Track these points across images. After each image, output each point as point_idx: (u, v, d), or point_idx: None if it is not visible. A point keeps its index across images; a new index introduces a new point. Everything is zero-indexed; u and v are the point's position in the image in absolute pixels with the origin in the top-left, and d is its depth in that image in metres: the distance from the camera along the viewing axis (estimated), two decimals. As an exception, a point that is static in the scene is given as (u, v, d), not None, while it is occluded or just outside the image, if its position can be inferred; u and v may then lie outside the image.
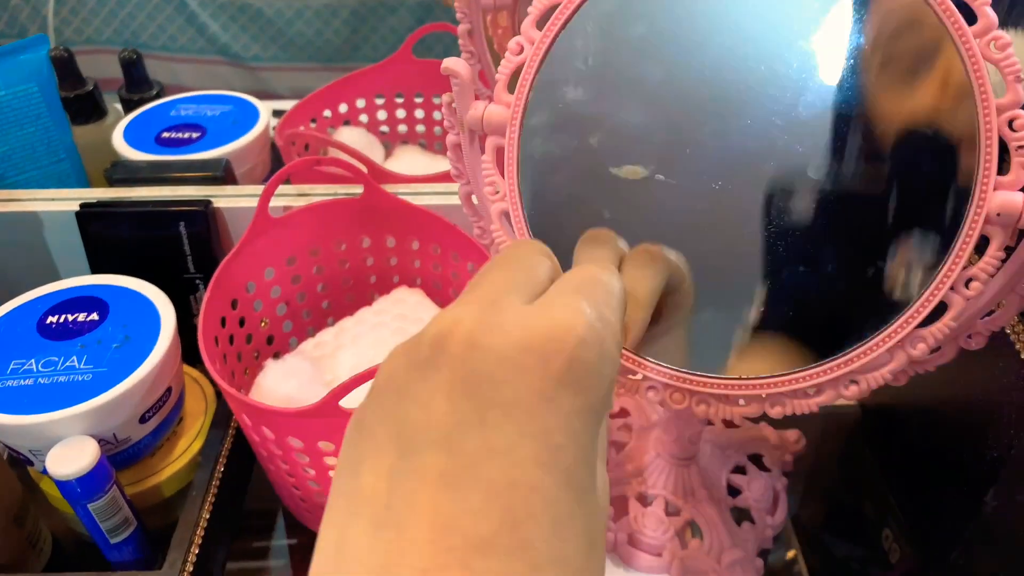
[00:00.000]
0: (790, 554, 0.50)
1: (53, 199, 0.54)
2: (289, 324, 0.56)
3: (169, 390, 0.47)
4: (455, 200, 0.50)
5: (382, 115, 0.77)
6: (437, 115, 0.77)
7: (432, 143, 0.79)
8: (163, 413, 0.47)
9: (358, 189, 0.54)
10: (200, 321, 0.45)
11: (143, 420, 0.45)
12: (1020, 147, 0.24)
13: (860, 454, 0.56)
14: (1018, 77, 0.24)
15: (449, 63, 0.33)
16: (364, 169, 0.59)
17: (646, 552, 0.46)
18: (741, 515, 0.47)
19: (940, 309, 0.29)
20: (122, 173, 0.55)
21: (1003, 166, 0.27)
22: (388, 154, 0.77)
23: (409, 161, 0.76)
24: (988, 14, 0.25)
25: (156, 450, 0.48)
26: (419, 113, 0.77)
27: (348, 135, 0.73)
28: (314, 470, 0.43)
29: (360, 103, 0.75)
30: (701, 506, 0.44)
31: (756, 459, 0.50)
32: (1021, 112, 0.24)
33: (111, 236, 0.53)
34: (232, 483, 0.49)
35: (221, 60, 1.29)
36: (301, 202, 0.54)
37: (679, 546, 0.45)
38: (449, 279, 0.56)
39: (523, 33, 0.32)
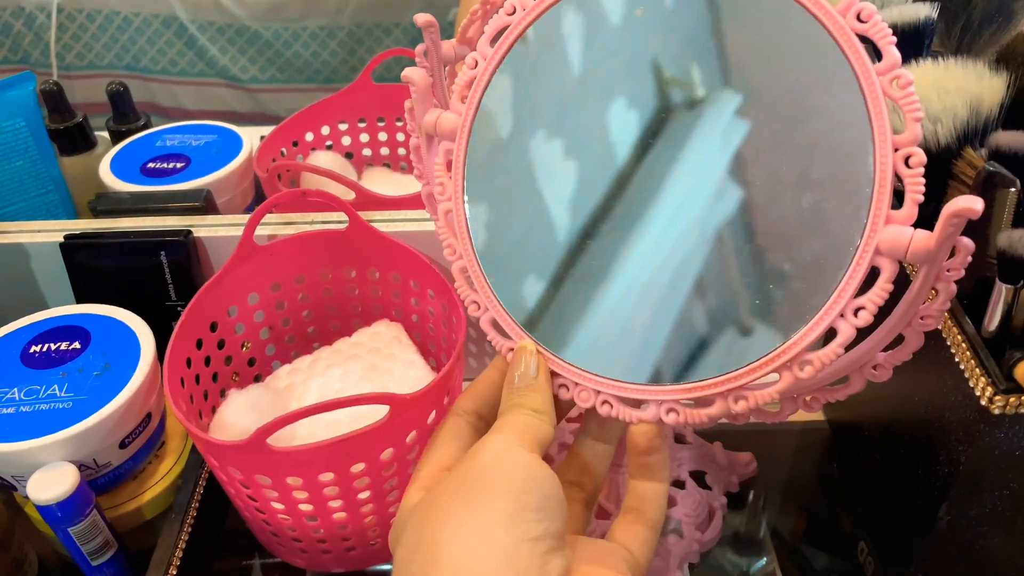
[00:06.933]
0: (769, 568, 0.51)
1: (39, 231, 0.56)
2: (272, 348, 0.57)
3: (149, 416, 0.48)
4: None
5: (363, 138, 0.78)
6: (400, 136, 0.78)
7: (396, 163, 0.80)
8: (143, 438, 0.48)
9: (342, 216, 0.55)
10: (171, 343, 0.47)
11: (123, 446, 0.47)
12: (914, 183, 0.25)
13: (831, 470, 0.57)
14: (917, 116, 0.25)
15: (408, 72, 0.37)
16: (352, 194, 0.60)
17: None
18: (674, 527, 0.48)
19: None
20: (105, 204, 0.56)
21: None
22: (359, 176, 0.78)
23: (380, 181, 0.76)
24: (892, 53, 0.26)
25: (138, 473, 0.50)
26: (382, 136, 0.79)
27: (323, 159, 0.73)
28: (256, 500, 0.44)
29: (342, 126, 0.77)
30: None
31: (700, 476, 0.50)
32: (917, 150, 0.25)
33: (94, 266, 0.55)
34: (211, 504, 0.50)
35: (220, 82, 1.32)
36: (285, 230, 0.55)
37: None
38: (427, 315, 0.56)
39: (478, 49, 0.35)
